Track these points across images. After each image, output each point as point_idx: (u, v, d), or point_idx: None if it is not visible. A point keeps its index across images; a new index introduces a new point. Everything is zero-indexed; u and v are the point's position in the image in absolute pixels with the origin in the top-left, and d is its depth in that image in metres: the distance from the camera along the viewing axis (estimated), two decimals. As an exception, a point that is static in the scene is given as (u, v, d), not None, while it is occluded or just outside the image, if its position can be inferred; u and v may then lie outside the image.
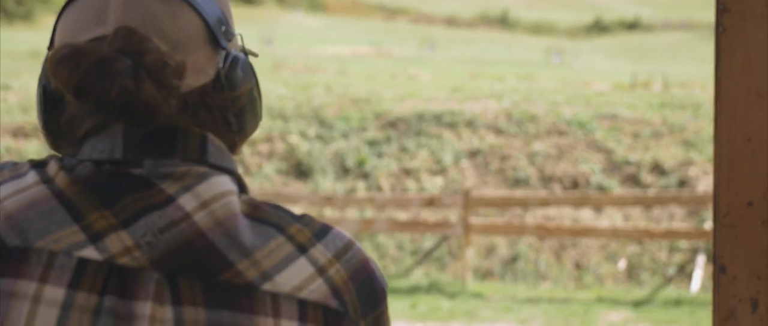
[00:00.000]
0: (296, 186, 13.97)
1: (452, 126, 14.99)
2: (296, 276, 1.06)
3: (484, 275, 12.44)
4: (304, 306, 1.05)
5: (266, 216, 1.08)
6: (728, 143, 1.99)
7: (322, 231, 1.11)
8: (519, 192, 12.93)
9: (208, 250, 1.04)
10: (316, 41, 36.49)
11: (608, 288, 11.85)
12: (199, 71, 1.10)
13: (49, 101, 1.11)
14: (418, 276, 12.38)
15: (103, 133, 1.08)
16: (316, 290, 1.06)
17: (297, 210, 12.30)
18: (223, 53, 1.12)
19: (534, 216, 13.05)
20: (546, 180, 13.85)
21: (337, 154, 14.50)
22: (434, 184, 13.93)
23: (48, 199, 1.05)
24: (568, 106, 15.96)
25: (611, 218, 13.08)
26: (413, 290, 11.23)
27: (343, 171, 14.25)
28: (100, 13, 1.10)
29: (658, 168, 13.64)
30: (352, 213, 13.12)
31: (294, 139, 14.78)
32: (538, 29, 48.20)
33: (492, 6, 53.43)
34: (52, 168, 1.07)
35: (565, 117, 15.16)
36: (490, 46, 39.14)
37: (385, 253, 12.95)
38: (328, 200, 12.12)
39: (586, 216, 13.18)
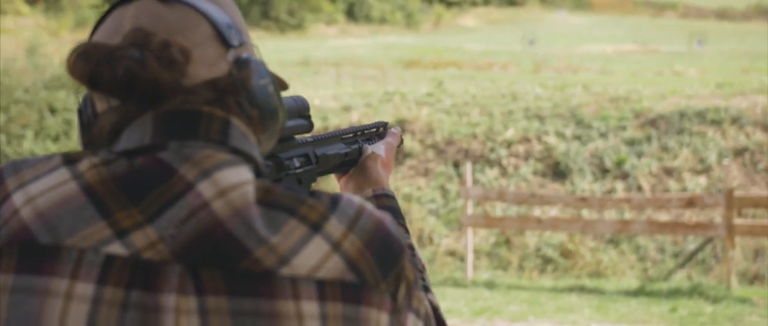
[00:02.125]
0: (553, 187, 13.81)
1: (717, 123, 14.37)
2: (312, 257, 1.09)
3: (752, 279, 11.83)
4: (322, 286, 1.09)
5: (278, 198, 1.12)
6: None
7: (332, 202, 1.13)
8: (789, 192, 12.21)
9: (227, 239, 1.08)
10: (580, 40, 35.98)
11: None
12: (211, 65, 1.16)
13: (85, 122, 1.20)
14: (680, 279, 11.93)
15: (134, 123, 1.14)
16: (333, 267, 1.09)
17: (553, 212, 12.17)
18: (234, 52, 1.19)
19: (807, 217, 12.30)
20: (821, 178, 13.03)
21: (594, 154, 14.22)
22: (697, 184, 13.41)
23: (77, 196, 1.11)
24: None
25: None
26: (674, 293, 10.83)
27: (602, 171, 13.96)
28: (117, 26, 1.19)
29: None
30: (609, 214, 12.83)
31: (551, 139, 14.62)
32: (820, 19, 45.38)
33: (768, -3, 50.84)
34: (85, 164, 1.13)
35: (843, 111, 14.21)
36: (766, 39, 37.26)
37: (646, 255, 12.58)
38: (584, 201, 11.90)
39: None
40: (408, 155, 14.61)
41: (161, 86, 1.12)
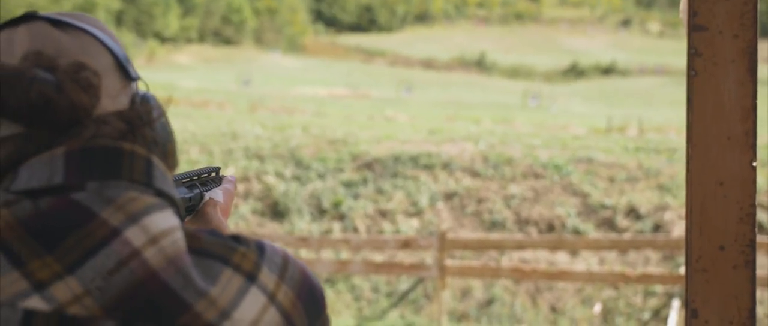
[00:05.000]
0: (272, 227, 13.91)
1: (429, 168, 15.00)
2: (252, 310, 1.02)
3: (460, 318, 12.39)
4: None
5: (208, 246, 1.04)
6: (700, 187, 1.99)
7: (259, 249, 1.07)
8: (495, 235, 12.92)
9: (164, 292, 0.99)
10: (294, 82, 36.54)
11: (583, 331, 11.82)
12: (114, 97, 1.07)
13: None
14: (394, 318, 12.32)
15: (40, 157, 1.02)
16: (270, 320, 1.03)
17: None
18: (135, 85, 1.11)
19: (510, 259, 13.05)
20: (522, 223, 13.85)
21: (313, 194, 14.46)
22: (410, 226, 13.91)
23: None
24: (545, 149, 16.01)
25: (587, 262, 13.08)
26: (388, 332, 11.17)
27: (320, 212, 14.21)
28: (6, 49, 1.06)
29: (633, 213, 13.68)
30: (327, 254, 13.07)
31: (270, 179, 14.74)
32: (515, 73, 48.43)
33: (469, 49, 53.68)
34: None
35: (541, 160, 15.20)
36: (467, 89, 39.27)
37: (361, 295, 12.89)
38: (304, 241, 12.07)
39: (562, 259, 13.18)
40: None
41: (78, 112, 1.01)
